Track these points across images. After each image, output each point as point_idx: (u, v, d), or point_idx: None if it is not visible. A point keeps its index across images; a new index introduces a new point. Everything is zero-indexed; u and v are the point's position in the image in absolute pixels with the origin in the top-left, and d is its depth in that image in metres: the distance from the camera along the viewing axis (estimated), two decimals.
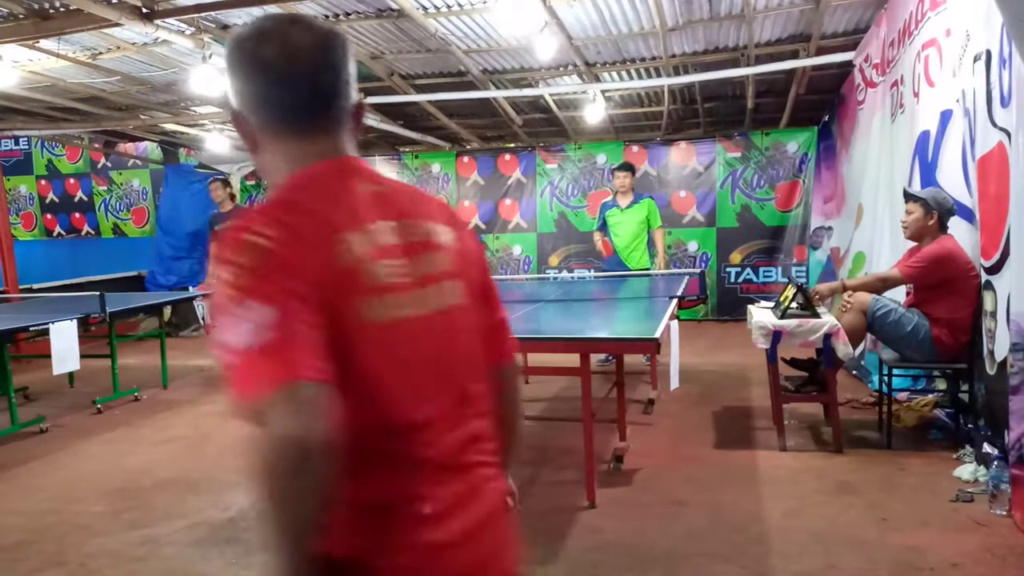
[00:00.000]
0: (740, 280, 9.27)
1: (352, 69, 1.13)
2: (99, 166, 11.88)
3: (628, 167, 6.87)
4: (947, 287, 3.85)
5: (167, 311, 7.23)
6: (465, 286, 1.15)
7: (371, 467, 1.00)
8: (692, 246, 9.36)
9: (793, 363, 4.52)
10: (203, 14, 5.00)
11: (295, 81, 1.06)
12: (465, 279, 1.15)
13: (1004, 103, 3.15)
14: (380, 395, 1.00)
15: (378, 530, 1.00)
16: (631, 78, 7.32)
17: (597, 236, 6.94)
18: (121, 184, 11.83)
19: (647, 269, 6.57)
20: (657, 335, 3.21)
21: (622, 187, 6.71)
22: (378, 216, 1.06)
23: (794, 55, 6.54)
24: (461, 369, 1.12)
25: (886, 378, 4.12)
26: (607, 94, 7.91)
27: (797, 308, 4.11)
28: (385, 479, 1.01)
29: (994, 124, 3.27)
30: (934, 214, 3.94)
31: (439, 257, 1.12)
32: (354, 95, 1.14)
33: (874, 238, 5.87)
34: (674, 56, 6.65)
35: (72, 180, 12.03)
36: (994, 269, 3.36)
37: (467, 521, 1.06)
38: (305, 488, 0.86)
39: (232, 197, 6.36)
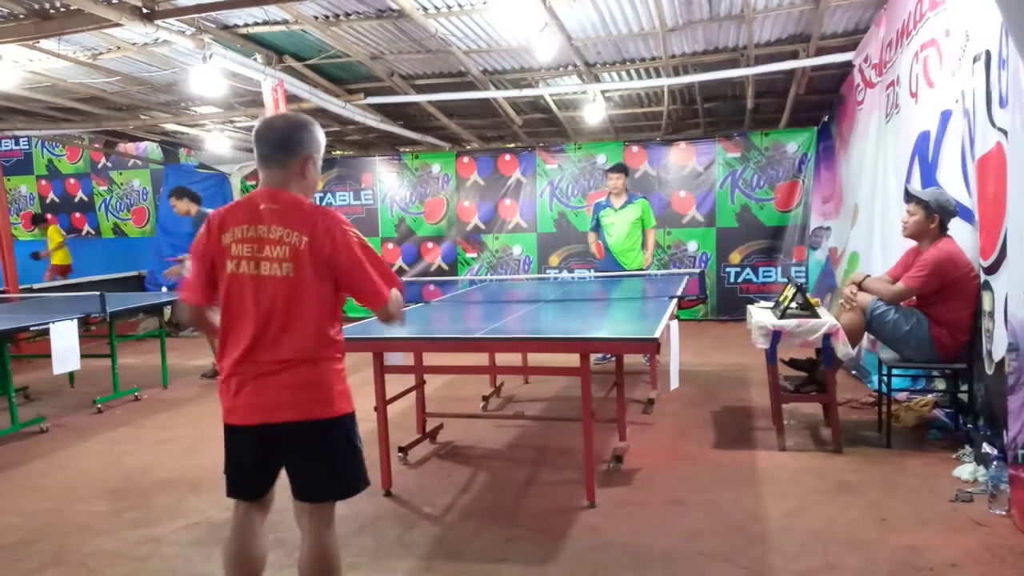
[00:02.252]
0: (740, 280, 9.28)
1: (305, 139, 2.16)
2: (99, 166, 11.90)
3: (621, 168, 6.89)
4: (948, 290, 3.84)
5: (167, 311, 7.25)
6: (296, 267, 2.08)
7: (221, 345, 2.19)
8: (692, 246, 9.37)
9: (792, 363, 4.52)
10: (203, 14, 5.01)
11: (259, 145, 2.18)
12: (299, 264, 2.07)
13: (1003, 104, 3.15)
14: (225, 307, 2.15)
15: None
16: (631, 78, 7.33)
17: (591, 237, 7.00)
18: (121, 184, 11.86)
19: (643, 268, 6.61)
20: (657, 335, 3.21)
21: (615, 188, 6.75)
22: (254, 222, 2.11)
23: (794, 55, 6.55)
24: (270, 307, 2.08)
25: (885, 378, 4.12)
26: (607, 94, 7.91)
27: (797, 308, 4.11)
28: (223, 354, 2.17)
29: (993, 124, 3.27)
30: (936, 217, 3.93)
31: (279, 249, 2.08)
32: (303, 152, 2.16)
33: (869, 238, 5.88)
34: (674, 56, 6.66)
35: (72, 180, 12.05)
36: (992, 269, 3.36)
37: (244, 385, 2.10)
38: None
39: (197, 201, 6.39)
